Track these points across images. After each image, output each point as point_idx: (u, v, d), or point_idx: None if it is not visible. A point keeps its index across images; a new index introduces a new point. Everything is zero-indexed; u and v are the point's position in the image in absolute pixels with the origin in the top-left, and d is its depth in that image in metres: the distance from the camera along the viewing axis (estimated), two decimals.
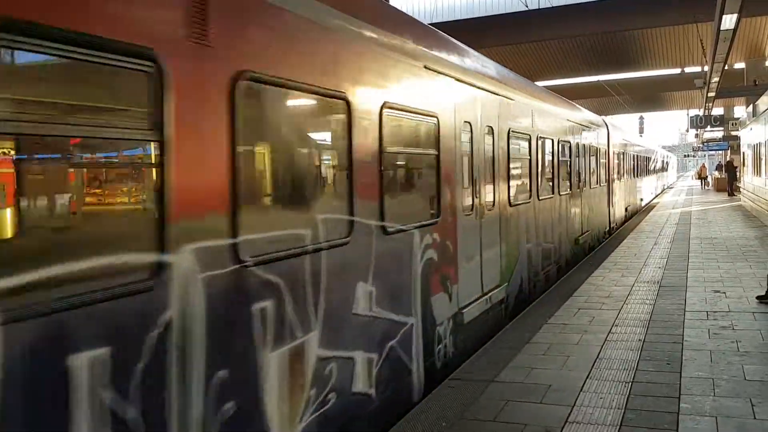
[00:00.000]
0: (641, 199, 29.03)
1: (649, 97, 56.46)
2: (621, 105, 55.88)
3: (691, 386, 5.53)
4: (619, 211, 20.57)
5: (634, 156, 25.88)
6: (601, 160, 16.91)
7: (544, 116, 10.54)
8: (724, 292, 9.42)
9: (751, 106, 27.91)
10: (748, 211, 24.73)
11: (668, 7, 27.50)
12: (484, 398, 5.43)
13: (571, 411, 5.07)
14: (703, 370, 5.97)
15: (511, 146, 8.55)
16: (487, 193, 7.71)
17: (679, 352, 6.52)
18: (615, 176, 19.45)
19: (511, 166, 8.61)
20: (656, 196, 39.17)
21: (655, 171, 40.08)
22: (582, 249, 13.98)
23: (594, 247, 15.36)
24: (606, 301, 9.04)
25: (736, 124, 36.29)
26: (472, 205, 7.18)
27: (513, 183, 8.78)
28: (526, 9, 26.56)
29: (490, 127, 7.81)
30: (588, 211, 14.73)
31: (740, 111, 42.56)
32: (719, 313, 8.13)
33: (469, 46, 8.21)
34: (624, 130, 24.86)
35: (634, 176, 25.95)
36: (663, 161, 52.62)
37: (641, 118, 67.14)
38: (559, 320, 8.01)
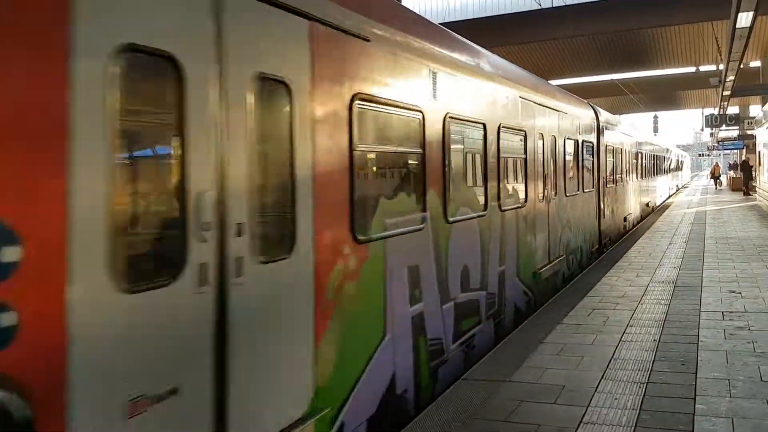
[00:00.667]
0: (647, 204, 25.72)
1: (663, 96, 56.09)
2: (635, 104, 55.56)
3: (707, 387, 5.49)
4: (615, 221, 16.98)
5: (640, 154, 23.03)
6: (588, 159, 13.42)
7: (469, 89, 6.95)
8: (740, 293, 9.33)
9: (767, 104, 27.68)
10: (764, 210, 24.49)
11: (682, 6, 27.30)
12: (497, 398, 5.42)
13: (585, 411, 5.05)
14: (719, 370, 5.92)
15: (379, 130, 5.31)
16: (266, 223, 3.80)
17: (694, 353, 6.47)
18: (610, 178, 16.12)
19: (370, 161, 5.18)
20: (670, 196, 38.91)
21: (668, 171, 39.56)
22: (550, 284, 10.20)
23: (573, 275, 11.82)
24: (620, 301, 8.99)
25: (751, 123, 35.99)
26: (205, 264, 3.27)
27: (369, 196, 5.06)
28: (539, 8, 26.47)
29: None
30: (561, 228, 11.00)
31: (756, 110, 42.19)
32: (735, 314, 8.06)
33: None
34: (623, 123, 20.10)
35: (640, 177, 23.00)
36: (677, 160, 52.19)
37: (656, 117, 66.79)
38: (573, 321, 7.98)
